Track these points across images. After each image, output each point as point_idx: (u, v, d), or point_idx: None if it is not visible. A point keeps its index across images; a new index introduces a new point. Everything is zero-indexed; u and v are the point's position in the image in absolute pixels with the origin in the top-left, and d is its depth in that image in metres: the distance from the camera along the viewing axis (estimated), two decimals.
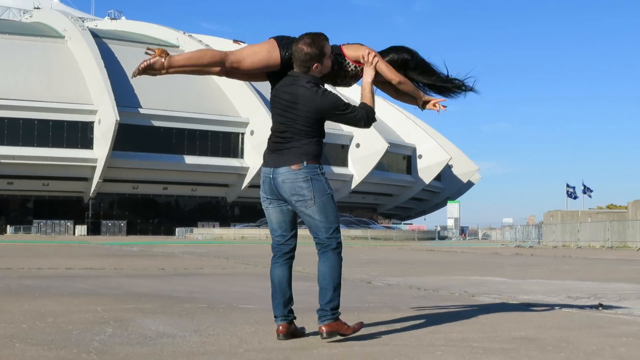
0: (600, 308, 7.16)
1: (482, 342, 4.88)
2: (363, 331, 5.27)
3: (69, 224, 75.10)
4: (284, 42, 5.32)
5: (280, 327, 4.95)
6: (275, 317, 5.01)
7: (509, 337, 5.16)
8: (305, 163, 5.06)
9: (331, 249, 5.04)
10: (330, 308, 4.91)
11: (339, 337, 4.89)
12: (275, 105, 5.33)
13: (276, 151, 5.20)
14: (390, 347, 4.66)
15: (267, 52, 5.34)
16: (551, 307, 7.23)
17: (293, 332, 5.02)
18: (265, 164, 5.23)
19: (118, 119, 70.20)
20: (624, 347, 4.76)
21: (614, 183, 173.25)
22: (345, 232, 60.46)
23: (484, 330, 5.51)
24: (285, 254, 5.20)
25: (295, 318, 5.08)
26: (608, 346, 4.78)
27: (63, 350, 4.44)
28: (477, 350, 4.56)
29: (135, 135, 74.28)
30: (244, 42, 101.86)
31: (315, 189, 5.04)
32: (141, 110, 75.83)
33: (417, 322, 5.94)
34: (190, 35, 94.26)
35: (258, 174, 68.64)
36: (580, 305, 7.46)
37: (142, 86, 78.37)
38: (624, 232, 37.59)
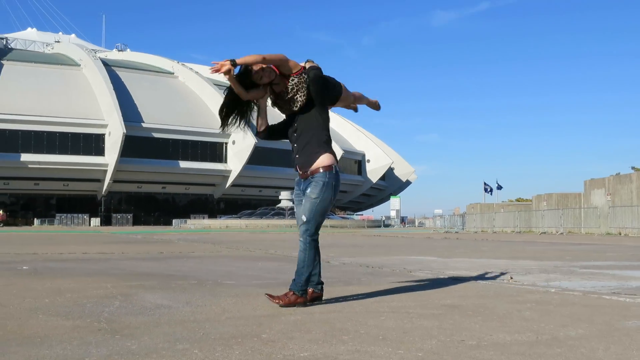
0: (510, 280, 7.23)
1: (417, 309, 4.90)
2: (320, 301, 5.30)
3: (85, 217, 74.20)
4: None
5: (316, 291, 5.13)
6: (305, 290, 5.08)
7: (438, 304, 5.18)
8: None
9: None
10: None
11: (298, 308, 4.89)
12: None
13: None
14: (343, 314, 4.66)
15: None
16: (472, 280, 7.28)
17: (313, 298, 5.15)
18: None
19: (125, 131, 69.70)
20: (529, 311, 4.81)
21: (522, 181, 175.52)
22: None
23: (419, 299, 5.53)
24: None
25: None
26: (516, 310, 4.82)
27: (79, 320, 4.38)
28: (412, 315, 4.57)
29: (139, 145, 73.70)
30: None
31: None
32: (144, 125, 75.20)
33: (366, 293, 5.95)
34: (183, 64, 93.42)
35: (239, 175, 68.39)
36: (495, 278, 7.52)
37: (144, 105, 77.88)
38: (529, 220, 38.06)
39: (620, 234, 29.35)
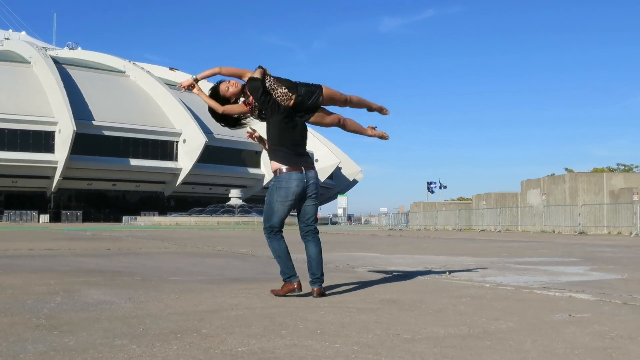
0: (448, 275, 7.31)
1: (357, 304, 4.90)
2: (262, 296, 5.28)
3: (34, 213, 72.57)
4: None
5: (297, 284, 5.27)
6: (290, 277, 5.29)
7: (377, 299, 5.20)
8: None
9: (317, 233, 5.56)
10: (321, 275, 5.36)
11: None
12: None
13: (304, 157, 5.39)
14: (285, 309, 4.63)
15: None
16: (412, 275, 7.33)
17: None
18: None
19: (75, 129, 68.36)
20: (463, 305, 4.85)
21: (463, 181, 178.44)
22: (259, 219, 60.16)
23: (359, 294, 5.54)
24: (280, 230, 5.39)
25: None
26: (451, 305, 4.86)
27: (17, 317, 4.24)
28: (351, 310, 4.57)
29: (89, 142, 72.40)
30: (178, 70, 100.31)
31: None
32: (94, 122, 73.88)
33: (308, 289, 5.92)
34: (135, 63, 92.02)
35: (190, 173, 67.58)
36: (433, 273, 7.59)
37: (95, 103, 76.54)
38: (469, 218, 38.67)
39: (554, 231, 30.07)
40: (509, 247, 15.35)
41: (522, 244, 16.93)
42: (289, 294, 5.26)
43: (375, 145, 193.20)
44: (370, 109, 5.95)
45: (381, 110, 6.04)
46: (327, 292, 5.52)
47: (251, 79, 5.34)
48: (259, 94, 5.29)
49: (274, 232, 5.34)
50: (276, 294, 5.29)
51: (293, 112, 5.38)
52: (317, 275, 5.33)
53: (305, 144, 5.45)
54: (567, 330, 3.78)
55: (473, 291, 5.77)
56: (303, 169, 5.28)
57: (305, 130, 5.48)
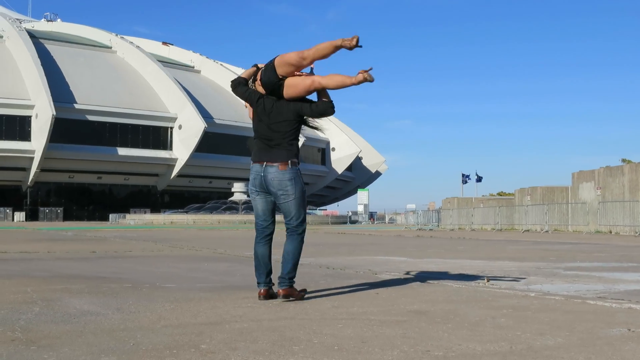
0: (486, 283, 7.30)
1: (379, 316, 4.91)
2: (271, 306, 5.31)
3: (8, 210, 73.09)
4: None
5: (262, 291, 5.75)
6: (258, 283, 5.80)
7: (403, 310, 5.20)
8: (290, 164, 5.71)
9: (297, 233, 5.81)
10: (288, 277, 5.71)
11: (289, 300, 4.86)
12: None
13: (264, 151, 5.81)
14: (296, 321, 4.64)
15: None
16: (443, 283, 7.33)
17: (271, 295, 5.77)
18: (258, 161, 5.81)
19: (54, 113, 68.68)
20: (504, 317, 4.85)
21: (503, 173, 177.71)
22: None
23: (382, 304, 5.54)
24: (267, 235, 5.87)
25: (273, 284, 5.83)
26: (490, 317, 4.86)
27: None
28: (373, 323, 4.58)
29: (71, 129, 72.74)
30: (173, 44, 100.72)
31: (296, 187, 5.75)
32: (76, 106, 74.24)
33: (323, 298, 5.95)
34: (122, 37, 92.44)
35: (186, 164, 67.82)
36: (469, 281, 7.58)
37: (77, 83, 76.89)
38: (511, 216, 38.53)
39: (610, 232, 29.90)
40: (557, 250, 15.30)
41: (573, 247, 16.86)
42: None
43: (402, 132, 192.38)
44: (336, 48, 5.74)
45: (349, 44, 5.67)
46: (346, 301, 5.54)
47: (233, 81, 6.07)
48: (237, 90, 5.99)
49: (256, 233, 5.96)
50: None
51: (266, 98, 5.86)
52: (282, 274, 5.74)
53: (279, 136, 5.77)
54: (626, 347, 3.77)
55: (515, 301, 5.76)
56: (264, 163, 5.76)
57: (284, 120, 5.78)
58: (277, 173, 5.68)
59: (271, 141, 5.75)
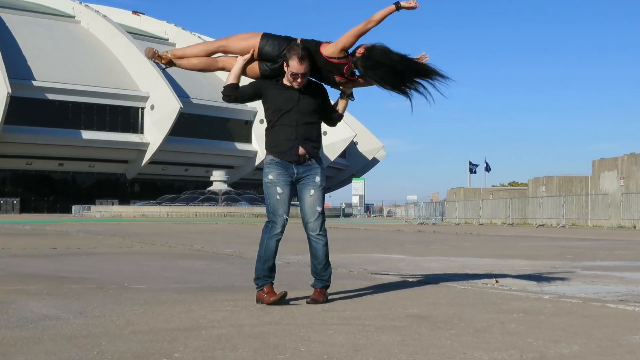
0: (495, 284, 7.33)
1: (375, 320, 4.92)
2: (253, 310, 5.32)
3: None
4: (268, 36, 5.98)
5: (266, 289, 5.77)
6: (259, 278, 5.82)
7: (402, 314, 5.22)
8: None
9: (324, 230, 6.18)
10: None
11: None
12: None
13: None
14: (281, 327, 4.65)
15: (249, 38, 6.00)
16: (447, 284, 7.35)
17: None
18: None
19: (10, 91, 68.30)
20: (514, 322, 4.87)
21: (516, 160, 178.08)
22: (249, 210, 60.47)
23: (379, 308, 5.56)
24: (283, 229, 5.98)
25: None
26: (498, 322, 4.88)
27: None
28: (368, 329, 4.59)
29: (28, 109, 72.41)
30: (144, 14, 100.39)
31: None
32: (35, 83, 73.92)
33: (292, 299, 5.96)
34: (87, 5, 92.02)
35: (160, 149, 67.42)
36: (476, 281, 7.60)
37: (36, 57, 76.49)
38: (524, 209, 38.66)
39: (635, 227, 30.04)
40: (575, 247, 15.36)
41: (593, 243, 16.93)
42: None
43: (402, 114, 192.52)
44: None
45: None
46: (338, 304, 5.56)
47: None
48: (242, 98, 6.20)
49: (273, 227, 6.01)
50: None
51: (281, 84, 6.02)
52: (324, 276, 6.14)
53: (310, 126, 6.05)
54: None
55: (527, 304, 5.79)
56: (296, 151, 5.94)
57: (314, 111, 6.06)
58: (311, 162, 5.94)
59: (301, 130, 5.90)
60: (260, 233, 5.90)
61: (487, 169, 61.23)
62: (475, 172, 58.26)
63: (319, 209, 5.99)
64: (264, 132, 6.15)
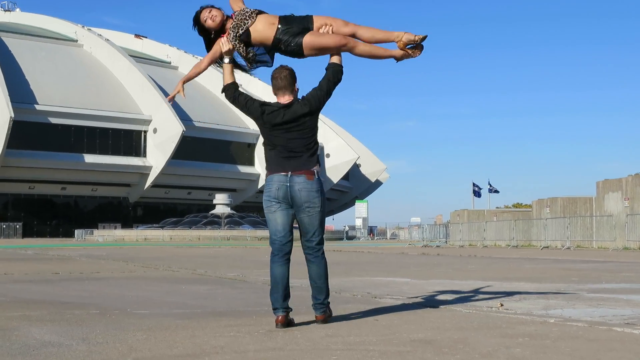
0: (500, 308, 7.30)
1: (379, 345, 4.91)
2: (256, 335, 5.31)
3: None
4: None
5: (280, 317, 5.81)
6: (274, 309, 5.87)
7: (406, 339, 5.20)
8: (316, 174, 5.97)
9: (321, 253, 6.09)
10: (327, 303, 6.07)
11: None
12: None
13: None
14: (285, 352, 4.64)
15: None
16: (452, 307, 7.33)
17: (289, 322, 5.87)
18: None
19: (12, 115, 68.46)
20: (519, 347, 4.85)
21: (520, 182, 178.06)
22: (252, 233, 60.42)
23: (383, 332, 5.54)
24: (287, 253, 6.01)
25: (291, 310, 5.94)
26: (503, 347, 4.86)
27: None
28: (372, 354, 4.58)
29: (31, 133, 72.55)
30: (146, 37, 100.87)
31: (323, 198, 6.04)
32: (37, 107, 74.12)
33: (316, 325, 5.95)
34: (90, 29, 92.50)
35: (162, 172, 67.52)
36: (481, 305, 7.58)
37: (38, 81, 76.74)
38: (529, 231, 38.58)
39: None
40: (580, 269, 15.32)
41: (598, 265, 16.89)
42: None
43: (406, 135, 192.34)
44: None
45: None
46: (342, 329, 5.54)
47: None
48: (237, 101, 6.26)
49: (273, 251, 6.03)
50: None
51: (270, 106, 6.16)
52: (320, 301, 6.07)
53: (300, 144, 6.06)
54: None
55: (532, 328, 5.77)
56: (289, 172, 5.93)
57: (303, 128, 6.08)
58: (305, 183, 5.88)
59: (291, 151, 5.94)
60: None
61: (492, 190, 61.07)
62: (480, 196, 58.10)
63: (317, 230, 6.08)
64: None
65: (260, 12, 6.15)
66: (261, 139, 6.06)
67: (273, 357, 4.48)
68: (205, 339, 5.20)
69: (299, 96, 6.05)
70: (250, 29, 6.07)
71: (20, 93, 73.20)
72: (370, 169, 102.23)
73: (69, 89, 78.02)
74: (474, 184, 59.37)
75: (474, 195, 58.29)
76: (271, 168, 5.99)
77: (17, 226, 74.75)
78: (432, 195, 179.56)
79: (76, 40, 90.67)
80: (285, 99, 5.95)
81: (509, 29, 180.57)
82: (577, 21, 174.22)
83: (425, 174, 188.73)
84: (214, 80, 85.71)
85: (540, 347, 4.84)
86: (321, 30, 6.09)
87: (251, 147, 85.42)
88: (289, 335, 5.40)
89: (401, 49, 6.31)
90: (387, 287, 10.27)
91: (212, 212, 72.62)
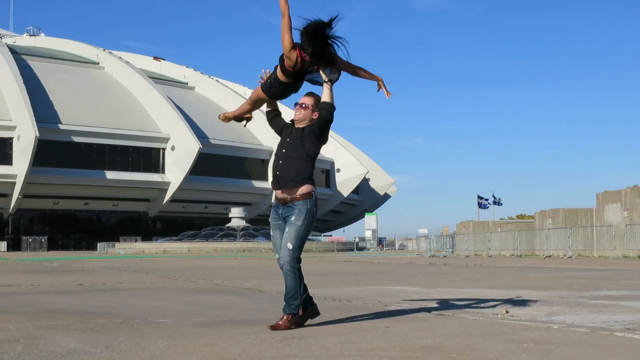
0: (505, 314, 7.28)
1: (390, 352, 4.90)
2: (272, 342, 5.30)
3: None
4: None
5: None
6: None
7: (416, 345, 5.19)
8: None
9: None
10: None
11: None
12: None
13: None
14: (300, 359, 4.63)
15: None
16: (459, 315, 7.31)
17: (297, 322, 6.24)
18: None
19: (37, 134, 68.84)
20: (525, 352, 4.84)
21: (523, 194, 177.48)
22: (266, 245, 60.36)
23: (393, 339, 5.53)
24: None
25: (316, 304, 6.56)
26: (510, 352, 4.85)
27: None
28: None
29: (55, 151, 72.93)
30: (164, 59, 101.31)
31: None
32: (61, 126, 74.50)
33: (329, 332, 5.93)
34: (111, 52, 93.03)
35: (180, 188, 67.70)
36: (487, 312, 7.56)
37: (62, 102, 77.18)
38: (532, 241, 38.45)
39: (639, 257, 29.81)
40: (582, 277, 15.26)
41: (599, 273, 16.81)
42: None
43: (413, 151, 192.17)
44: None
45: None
46: (354, 336, 5.53)
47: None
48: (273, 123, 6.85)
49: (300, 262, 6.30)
50: (286, 327, 6.17)
51: (288, 127, 6.74)
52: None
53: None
54: None
55: (537, 334, 5.75)
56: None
57: (300, 147, 6.69)
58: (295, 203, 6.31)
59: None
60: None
61: (498, 203, 60.98)
62: (486, 208, 58.04)
63: (290, 245, 6.13)
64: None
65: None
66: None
67: None
68: (223, 347, 5.19)
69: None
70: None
71: (45, 113, 73.64)
72: (379, 183, 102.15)
73: (91, 109, 78.43)
74: (479, 197, 59.30)
75: (481, 207, 58.19)
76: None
77: (43, 240, 75.07)
78: (438, 208, 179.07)
79: (98, 63, 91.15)
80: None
81: (511, 46, 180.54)
82: (572, 36, 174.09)
83: (432, 187, 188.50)
84: (229, 98, 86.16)
85: (544, 352, 4.82)
86: None
87: (265, 162, 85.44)
88: (304, 342, 5.39)
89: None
90: (396, 295, 10.23)
91: (228, 225, 72.70)
